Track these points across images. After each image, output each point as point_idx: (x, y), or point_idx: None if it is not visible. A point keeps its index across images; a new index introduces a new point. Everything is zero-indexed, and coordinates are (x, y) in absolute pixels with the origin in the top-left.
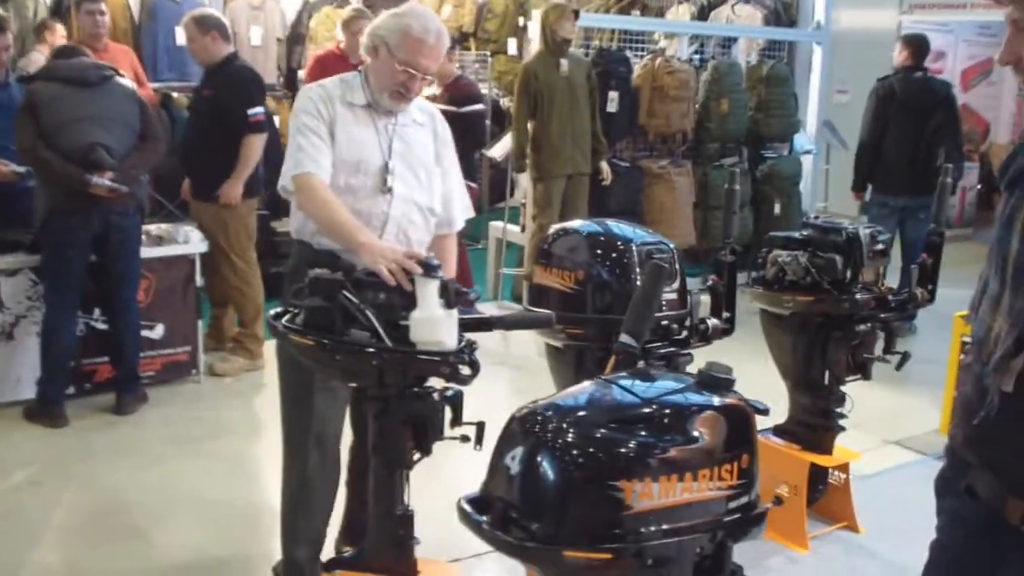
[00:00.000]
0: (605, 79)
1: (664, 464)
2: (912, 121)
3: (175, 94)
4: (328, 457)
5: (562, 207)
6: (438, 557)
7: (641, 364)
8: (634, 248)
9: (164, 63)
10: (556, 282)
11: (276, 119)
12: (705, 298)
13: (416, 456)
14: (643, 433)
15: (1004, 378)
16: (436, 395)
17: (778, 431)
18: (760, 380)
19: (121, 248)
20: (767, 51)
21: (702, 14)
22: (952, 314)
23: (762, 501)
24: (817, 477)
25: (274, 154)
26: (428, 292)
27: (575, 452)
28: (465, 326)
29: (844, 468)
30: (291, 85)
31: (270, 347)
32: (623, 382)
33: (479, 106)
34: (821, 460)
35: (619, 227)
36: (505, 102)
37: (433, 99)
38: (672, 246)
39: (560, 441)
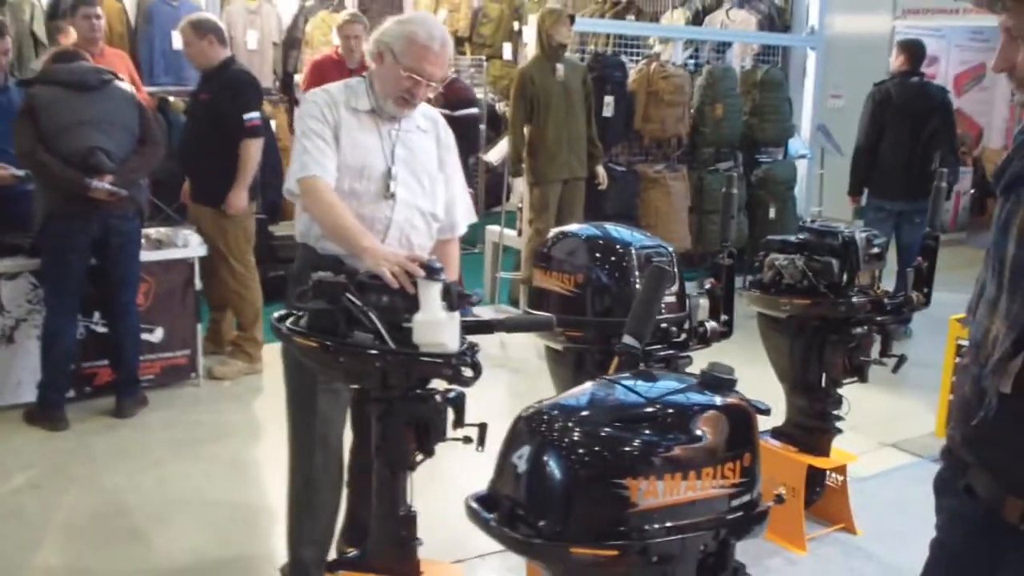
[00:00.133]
0: (601, 84)
1: (668, 463)
2: (908, 126)
3: (171, 98)
4: (332, 458)
5: (558, 211)
6: (441, 558)
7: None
8: (633, 252)
9: (160, 67)
10: (556, 285)
11: (273, 123)
12: (703, 301)
13: (419, 457)
14: (647, 432)
15: (1002, 380)
16: (439, 397)
17: (775, 433)
18: (758, 383)
19: (121, 252)
20: (761, 56)
21: (696, 19)
22: (947, 318)
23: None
24: (814, 479)
25: (271, 158)
26: (431, 295)
27: (581, 451)
28: (466, 329)
29: (841, 470)
30: (287, 89)
31: (269, 351)
32: (627, 382)
33: (473, 110)
34: (818, 462)
35: (618, 231)
36: (500, 107)
37: (427, 102)
38: (671, 250)
39: (566, 440)
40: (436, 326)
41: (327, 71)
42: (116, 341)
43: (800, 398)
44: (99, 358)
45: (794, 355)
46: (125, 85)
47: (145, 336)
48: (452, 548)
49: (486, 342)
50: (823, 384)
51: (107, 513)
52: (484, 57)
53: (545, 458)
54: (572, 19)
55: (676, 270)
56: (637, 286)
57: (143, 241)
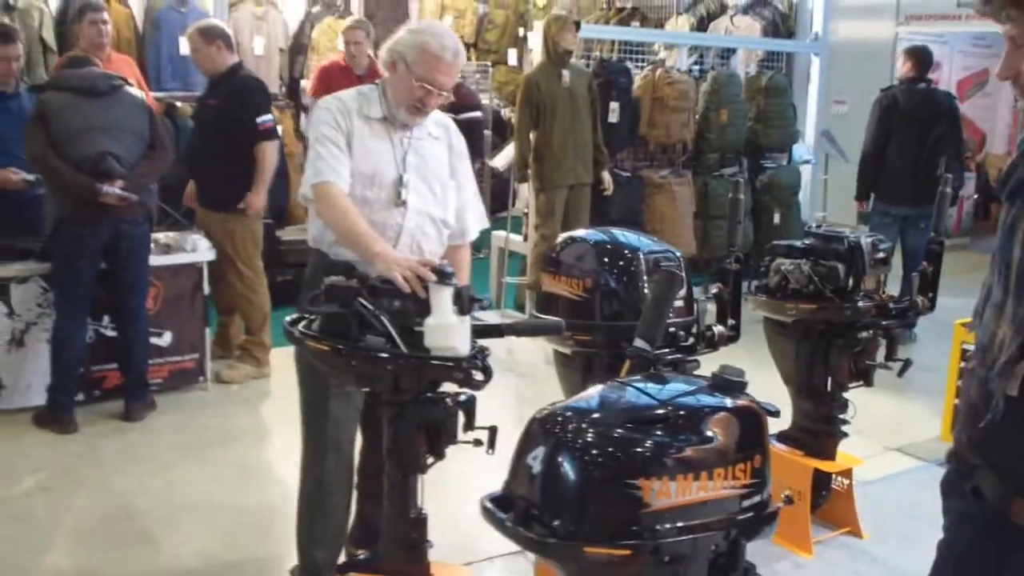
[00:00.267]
0: (606, 90)
1: (680, 463)
2: (915, 131)
3: (179, 103)
4: (344, 460)
5: (564, 217)
6: (451, 560)
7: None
8: (641, 256)
9: (168, 73)
10: (564, 290)
11: (279, 129)
12: (711, 306)
13: (430, 460)
14: (660, 433)
15: (1009, 382)
16: (449, 400)
17: (781, 437)
18: (764, 387)
19: (130, 256)
20: (766, 62)
21: (701, 25)
22: (952, 322)
23: None
24: (821, 483)
25: (278, 163)
26: (442, 299)
27: (595, 452)
28: (477, 332)
29: (847, 474)
30: (293, 95)
31: (277, 355)
32: (639, 384)
33: (477, 114)
34: (824, 466)
35: (626, 236)
36: (506, 112)
37: None
38: (679, 254)
39: (580, 441)
40: (447, 330)
41: (333, 77)
42: (125, 345)
43: (806, 402)
44: (108, 362)
45: (800, 359)
46: (135, 91)
47: (154, 340)
48: (462, 550)
49: (493, 347)
50: (829, 388)
51: (116, 516)
52: (489, 63)
53: (559, 459)
54: (578, 26)
55: (684, 275)
56: (645, 290)
57: (152, 246)
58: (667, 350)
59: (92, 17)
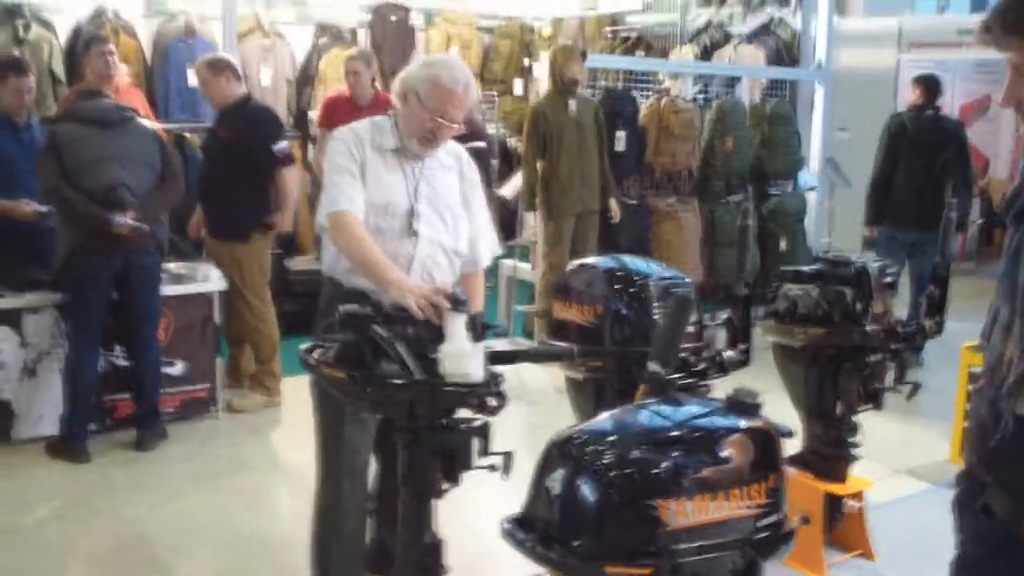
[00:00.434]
0: (612, 119)
1: (697, 484)
2: (922, 157)
3: (188, 134)
4: (358, 486)
5: (572, 245)
6: None
7: None
8: (651, 283)
9: (176, 104)
10: (575, 316)
11: None
12: (721, 331)
13: (445, 486)
14: (677, 455)
15: (1018, 401)
16: (464, 426)
17: (793, 461)
18: (775, 411)
19: (142, 286)
20: (770, 90)
21: (705, 54)
22: (959, 346)
23: None
24: (832, 506)
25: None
26: (456, 326)
27: (613, 473)
28: (490, 359)
29: (858, 496)
30: (300, 126)
31: (287, 384)
32: (654, 407)
33: (482, 144)
34: (836, 489)
35: (635, 262)
36: (512, 142)
37: None
38: (689, 280)
39: (598, 463)
40: (462, 356)
41: (338, 109)
42: (137, 374)
43: (817, 426)
44: (120, 391)
45: (810, 383)
46: (146, 122)
47: (166, 369)
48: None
49: (503, 374)
50: (839, 412)
51: (129, 544)
52: (495, 93)
53: (579, 481)
54: (584, 55)
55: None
56: (656, 316)
57: (164, 275)
58: (679, 375)
59: (99, 49)
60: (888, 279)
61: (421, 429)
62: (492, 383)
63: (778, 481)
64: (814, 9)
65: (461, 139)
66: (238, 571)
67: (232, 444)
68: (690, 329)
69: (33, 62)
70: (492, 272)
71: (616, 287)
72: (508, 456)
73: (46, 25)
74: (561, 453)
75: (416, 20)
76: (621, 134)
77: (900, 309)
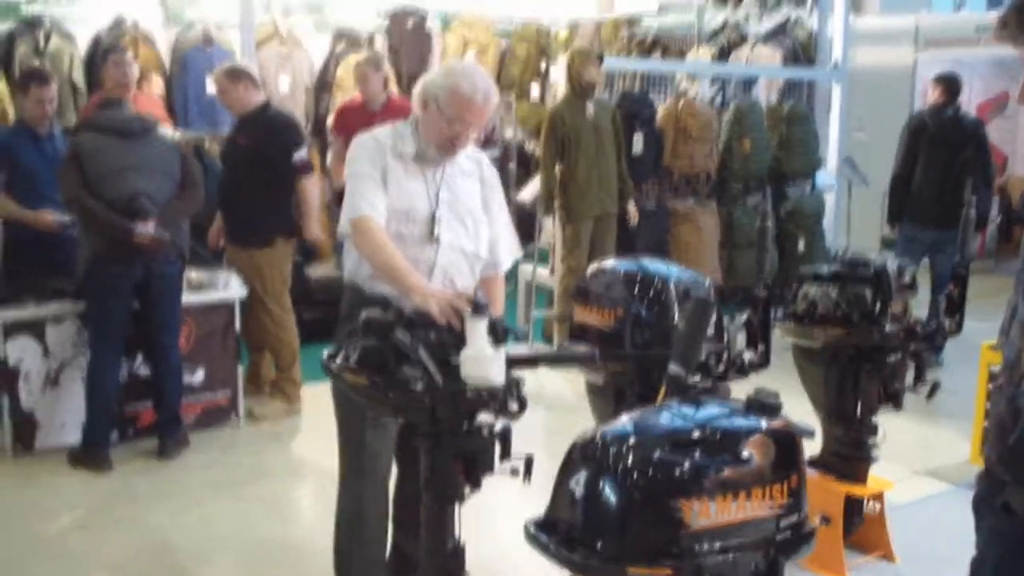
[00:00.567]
0: (630, 121)
1: (719, 484)
2: (942, 156)
3: (207, 143)
4: (380, 491)
5: (590, 248)
6: None
7: None
8: (671, 285)
9: (195, 112)
10: (595, 320)
11: None
12: (741, 333)
13: (467, 490)
14: (699, 455)
15: None
16: (486, 430)
17: (813, 462)
18: (794, 413)
19: (163, 295)
20: (787, 90)
21: (722, 55)
22: (979, 345)
23: None
24: (853, 507)
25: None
26: (477, 330)
27: (636, 474)
28: (511, 363)
29: (879, 498)
30: (319, 133)
31: (307, 391)
32: (676, 408)
33: (495, 151)
34: (856, 490)
35: (655, 265)
36: (530, 146)
37: None
38: (708, 282)
39: (621, 465)
40: (483, 361)
41: (350, 115)
42: (158, 383)
43: (836, 427)
44: (142, 399)
45: (829, 384)
46: (167, 131)
47: (186, 378)
48: None
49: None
50: (859, 412)
51: (151, 552)
52: (512, 97)
53: (601, 482)
54: (601, 58)
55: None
56: (676, 319)
57: (184, 284)
58: (699, 377)
59: (115, 59)
60: (907, 279)
61: (443, 433)
62: (513, 387)
63: (799, 481)
64: (830, 8)
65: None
66: None
67: (253, 452)
68: (710, 331)
69: (54, 73)
70: (511, 276)
71: (636, 290)
72: (529, 460)
73: (66, 36)
74: (584, 455)
75: (433, 25)
76: (638, 137)
77: (920, 308)
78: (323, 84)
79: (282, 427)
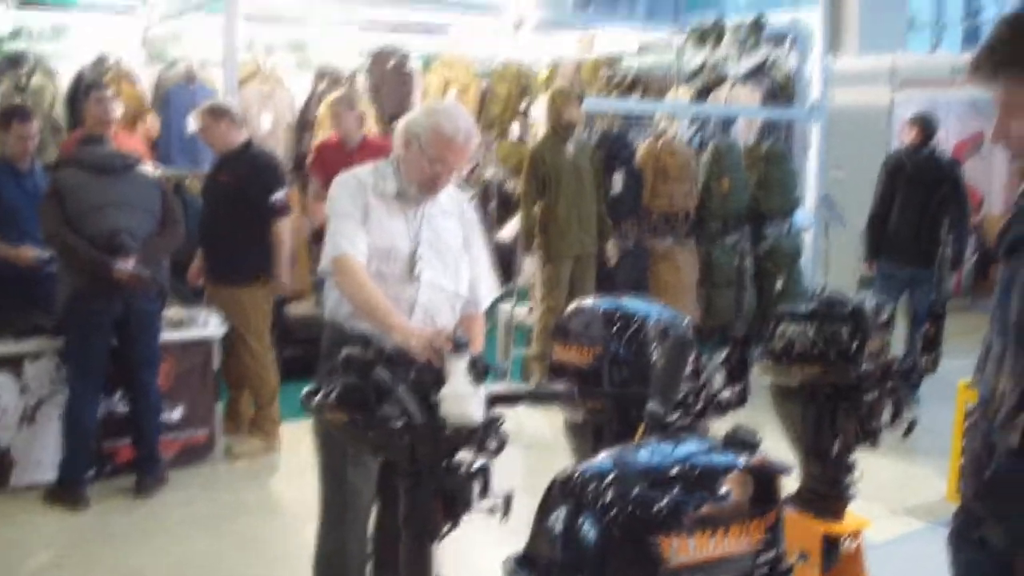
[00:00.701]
0: (609, 161)
1: (698, 521)
2: (919, 195)
3: (188, 180)
4: (360, 528)
5: (569, 287)
6: None
7: None
8: (650, 323)
9: (177, 149)
10: (574, 358)
11: None
12: (719, 372)
13: (446, 528)
14: (677, 491)
15: (1011, 434)
16: (465, 468)
17: (790, 500)
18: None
19: (142, 332)
20: (765, 130)
21: (701, 95)
22: (955, 384)
23: None
24: (830, 545)
25: None
26: (457, 368)
27: (615, 511)
28: (491, 401)
29: (856, 535)
30: (300, 170)
31: (286, 429)
32: (654, 445)
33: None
34: (834, 528)
35: (633, 303)
36: (510, 185)
37: None
38: (687, 321)
39: (600, 501)
40: (463, 399)
41: (327, 154)
42: (137, 420)
43: (814, 465)
44: (120, 436)
45: (807, 422)
46: (148, 169)
47: (165, 415)
48: None
49: None
50: (836, 450)
51: None
52: (493, 136)
53: (580, 519)
54: (581, 98)
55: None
56: (654, 357)
57: (163, 321)
58: (677, 414)
59: (97, 95)
60: (884, 317)
61: (423, 471)
62: (492, 425)
63: (777, 518)
64: (808, 49)
65: None
66: None
67: (231, 489)
68: (688, 369)
69: (35, 110)
70: (490, 315)
71: (614, 329)
72: (508, 498)
73: (48, 73)
74: (563, 491)
75: (414, 64)
76: (618, 176)
77: (897, 346)
78: (305, 123)
79: (260, 465)
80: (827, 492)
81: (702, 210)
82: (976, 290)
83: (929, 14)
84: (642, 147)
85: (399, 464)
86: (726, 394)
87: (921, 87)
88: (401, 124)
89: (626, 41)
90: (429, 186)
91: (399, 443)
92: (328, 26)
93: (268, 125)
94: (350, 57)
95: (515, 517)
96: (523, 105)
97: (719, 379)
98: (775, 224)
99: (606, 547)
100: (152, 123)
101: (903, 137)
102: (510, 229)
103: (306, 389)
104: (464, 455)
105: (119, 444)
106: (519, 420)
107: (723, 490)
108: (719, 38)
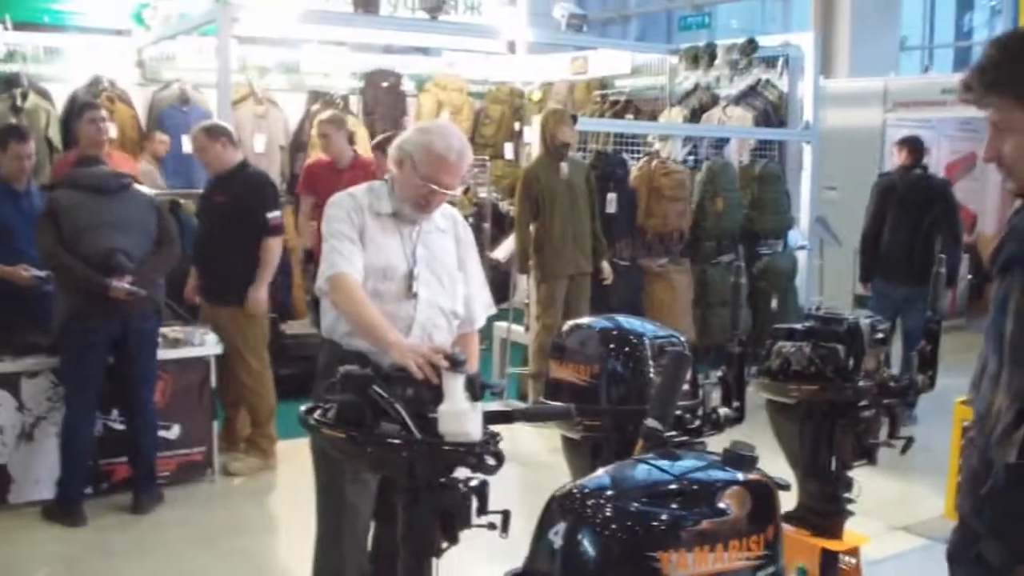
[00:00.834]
0: (603, 181)
1: (697, 536)
2: (911, 215)
3: (182, 200)
4: (359, 547)
5: (565, 307)
6: None
7: None
8: (647, 341)
9: (170, 170)
10: (571, 376)
11: None
12: (716, 389)
13: (444, 545)
14: (676, 507)
15: (1007, 450)
16: (463, 485)
17: (788, 518)
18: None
19: (139, 350)
20: (759, 151)
21: (694, 116)
22: (951, 401)
23: None
24: (828, 562)
25: (281, 258)
26: (455, 385)
27: (614, 526)
28: (488, 418)
29: (854, 552)
30: (294, 191)
31: (282, 447)
32: (653, 461)
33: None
34: (832, 545)
35: (630, 322)
36: (504, 205)
37: None
38: (683, 339)
39: (599, 517)
40: (460, 416)
41: (318, 175)
42: (134, 438)
43: (812, 482)
44: (117, 455)
45: (804, 439)
46: (144, 189)
47: (162, 433)
48: None
49: None
50: (833, 467)
51: None
52: (487, 157)
53: (579, 534)
54: (574, 119)
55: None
56: (651, 375)
57: (160, 339)
58: (674, 432)
59: (90, 116)
60: (879, 335)
61: (420, 489)
62: (490, 442)
63: (776, 533)
64: (800, 71)
65: None
66: None
67: (228, 507)
68: (685, 387)
69: (31, 130)
70: (486, 334)
71: (611, 346)
72: (506, 514)
73: (43, 94)
74: (562, 507)
75: (407, 86)
76: (612, 196)
77: (893, 366)
78: (298, 144)
79: (257, 483)
80: (825, 509)
81: (696, 230)
82: (971, 310)
83: (920, 36)
84: (636, 167)
85: (397, 481)
86: (724, 411)
87: (913, 108)
88: (394, 144)
89: (619, 62)
90: (423, 205)
91: (397, 460)
92: (321, 47)
93: (261, 147)
94: (343, 79)
95: (514, 533)
96: (516, 126)
97: (716, 397)
98: (769, 244)
99: (605, 563)
100: (160, 141)
101: (894, 159)
102: (505, 249)
103: (304, 407)
104: (462, 472)
105: (116, 462)
106: (515, 438)
107: (722, 505)
108: (711, 59)
